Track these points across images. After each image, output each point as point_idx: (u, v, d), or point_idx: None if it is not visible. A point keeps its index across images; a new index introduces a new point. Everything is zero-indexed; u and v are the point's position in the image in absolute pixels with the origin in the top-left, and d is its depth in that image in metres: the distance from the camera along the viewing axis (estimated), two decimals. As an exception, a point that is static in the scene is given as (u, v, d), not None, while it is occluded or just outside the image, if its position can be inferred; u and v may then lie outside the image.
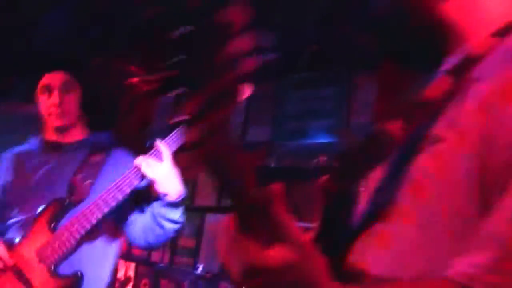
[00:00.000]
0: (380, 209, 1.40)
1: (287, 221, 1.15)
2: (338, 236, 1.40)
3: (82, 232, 2.87)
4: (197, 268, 5.84)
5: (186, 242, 6.71)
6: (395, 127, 1.40)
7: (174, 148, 2.93)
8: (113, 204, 2.85)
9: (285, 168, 5.88)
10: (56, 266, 2.89)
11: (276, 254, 1.11)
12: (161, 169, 2.85)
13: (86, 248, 2.94)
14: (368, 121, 4.93)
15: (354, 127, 5.53)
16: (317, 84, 5.96)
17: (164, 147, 2.88)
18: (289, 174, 5.80)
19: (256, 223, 1.13)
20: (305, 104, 5.99)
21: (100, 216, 2.85)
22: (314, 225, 1.52)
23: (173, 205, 2.92)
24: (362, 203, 1.48)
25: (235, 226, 1.17)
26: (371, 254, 1.37)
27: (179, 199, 2.93)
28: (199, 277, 5.77)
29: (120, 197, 2.86)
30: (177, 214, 2.98)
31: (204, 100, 1.09)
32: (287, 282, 1.13)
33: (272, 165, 5.97)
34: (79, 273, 2.91)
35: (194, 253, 6.57)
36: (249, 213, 1.15)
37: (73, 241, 2.87)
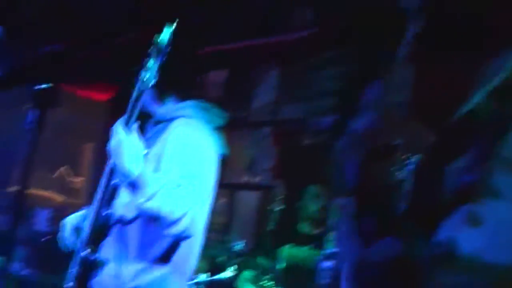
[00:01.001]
0: (469, 189, 1.39)
1: None
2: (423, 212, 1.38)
3: None
4: (230, 244, 5.85)
5: (217, 218, 6.73)
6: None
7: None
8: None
9: (319, 145, 5.87)
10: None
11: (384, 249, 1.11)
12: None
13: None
14: (403, 99, 4.91)
15: (388, 105, 5.49)
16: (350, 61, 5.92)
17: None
18: (323, 151, 5.78)
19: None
20: (338, 81, 5.96)
21: None
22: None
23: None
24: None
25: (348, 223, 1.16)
26: (463, 233, 1.36)
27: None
28: (232, 253, 5.78)
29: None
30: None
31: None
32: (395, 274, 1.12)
33: (306, 142, 5.96)
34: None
35: (226, 230, 6.59)
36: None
37: None
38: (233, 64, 7.03)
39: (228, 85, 7.09)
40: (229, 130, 6.01)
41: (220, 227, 6.65)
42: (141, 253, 2.70)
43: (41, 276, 5.68)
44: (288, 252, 4.98)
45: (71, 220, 2.95)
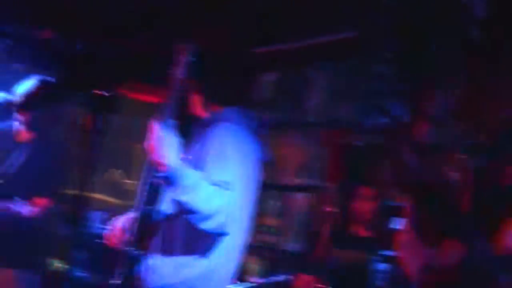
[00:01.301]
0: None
1: None
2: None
3: None
4: (282, 247, 5.87)
5: (269, 220, 6.74)
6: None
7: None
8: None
9: (373, 145, 5.84)
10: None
11: (448, 253, 1.09)
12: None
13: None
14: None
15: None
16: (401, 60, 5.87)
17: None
18: (377, 151, 5.75)
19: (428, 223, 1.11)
20: (389, 80, 5.91)
21: None
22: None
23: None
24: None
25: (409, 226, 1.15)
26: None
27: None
28: (284, 255, 5.79)
29: None
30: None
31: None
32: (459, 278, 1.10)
33: (360, 143, 5.94)
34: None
35: (279, 232, 6.59)
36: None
37: None
38: (284, 65, 7.03)
39: (280, 86, 7.10)
40: (281, 132, 6.05)
41: (273, 229, 6.66)
42: (184, 249, 2.82)
43: (97, 278, 5.76)
44: (339, 254, 4.96)
45: (119, 220, 3.03)
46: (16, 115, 4.62)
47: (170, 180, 2.60)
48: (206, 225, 2.64)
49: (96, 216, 6.07)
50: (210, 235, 2.76)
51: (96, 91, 2.01)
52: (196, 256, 2.83)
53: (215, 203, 2.62)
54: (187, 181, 2.59)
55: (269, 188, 6.86)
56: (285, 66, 7.02)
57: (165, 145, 2.56)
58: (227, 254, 2.89)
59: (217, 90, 2.98)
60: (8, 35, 3.57)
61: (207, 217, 2.63)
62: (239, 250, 2.96)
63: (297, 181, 6.63)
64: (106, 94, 2.00)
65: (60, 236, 2.80)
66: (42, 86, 4.24)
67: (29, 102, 3.88)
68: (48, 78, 4.36)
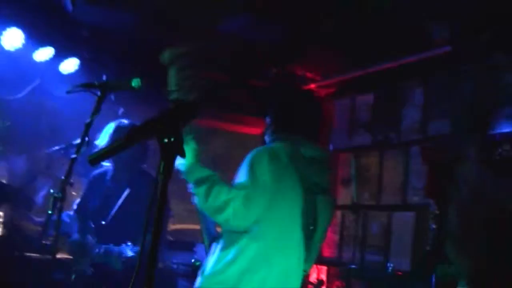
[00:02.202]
0: None
1: None
2: None
3: None
4: (388, 267, 5.87)
5: (375, 240, 6.76)
6: None
7: None
8: None
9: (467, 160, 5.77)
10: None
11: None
12: None
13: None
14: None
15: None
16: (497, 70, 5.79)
17: None
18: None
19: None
20: (484, 93, 5.85)
21: None
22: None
23: None
24: None
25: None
26: None
27: None
28: (390, 275, 5.79)
29: None
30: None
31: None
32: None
33: (455, 157, 5.88)
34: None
35: (384, 252, 6.60)
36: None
37: None
38: (378, 85, 7.08)
39: (375, 107, 7.14)
40: (381, 151, 6.14)
41: (379, 248, 6.67)
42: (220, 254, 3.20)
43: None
44: (442, 270, 4.94)
45: None
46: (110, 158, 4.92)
47: (184, 176, 3.15)
48: (215, 218, 3.14)
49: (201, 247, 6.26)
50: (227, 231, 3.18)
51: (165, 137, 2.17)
52: (228, 261, 3.17)
53: (221, 198, 3.06)
54: (197, 174, 3.14)
55: (372, 208, 6.89)
56: (381, 87, 7.07)
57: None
58: (257, 260, 3.16)
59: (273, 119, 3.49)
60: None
61: (214, 210, 3.09)
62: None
63: (401, 199, 6.62)
64: (173, 139, 2.16)
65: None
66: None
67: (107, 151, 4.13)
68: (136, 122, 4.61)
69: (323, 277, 6.92)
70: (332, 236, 7.20)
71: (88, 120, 3.66)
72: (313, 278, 6.82)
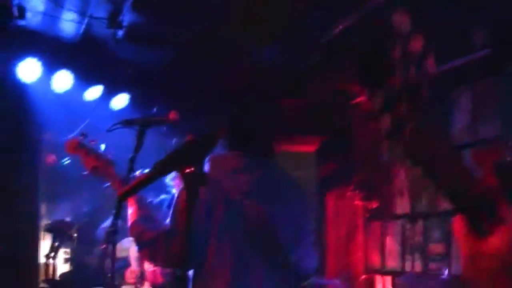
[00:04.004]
0: None
1: None
2: None
3: None
4: (443, 274, 5.83)
5: (436, 248, 6.71)
6: None
7: None
8: None
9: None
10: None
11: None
12: None
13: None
14: None
15: None
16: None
17: None
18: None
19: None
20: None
21: None
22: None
23: None
24: None
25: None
26: None
27: None
28: (448, 282, 5.75)
29: None
30: None
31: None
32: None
33: (509, 159, 5.82)
34: None
35: (445, 259, 6.54)
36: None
37: None
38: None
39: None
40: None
41: (440, 256, 6.62)
42: None
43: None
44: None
45: None
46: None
47: None
48: None
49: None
50: None
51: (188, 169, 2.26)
52: None
53: None
54: None
55: (431, 216, 6.84)
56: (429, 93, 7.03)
57: None
58: None
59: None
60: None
61: None
62: None
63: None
64: (193, 169, 2.24)
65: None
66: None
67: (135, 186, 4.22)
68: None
69: (389, 287, 6.89)
70: (394, 246, 7.18)
71: (131, 155, 3.77)
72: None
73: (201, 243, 3.12)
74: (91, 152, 3.70)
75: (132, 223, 3.51)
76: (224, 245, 3.20)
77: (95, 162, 3.68)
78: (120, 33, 6.09)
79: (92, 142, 3.76)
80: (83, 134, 3.80)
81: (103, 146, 3.81)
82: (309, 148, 8.25)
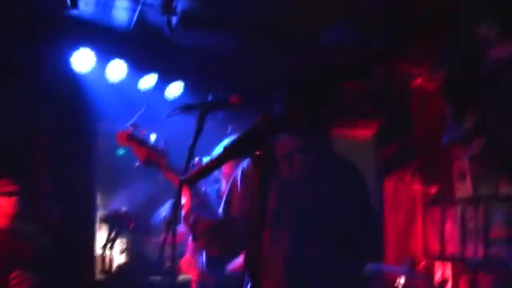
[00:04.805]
0: None
1: None
2: None
3: None
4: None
5: (499, 232, 6.55)
6: None
7: None
8: None
9: None
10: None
11: None
12: None
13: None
14: None
15: None
16: None
17: None
18: None
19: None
20: None
21: None
22: None
23: None
24: None
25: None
26: None
27: None
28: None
29: None
30: None
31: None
32: None
33: None
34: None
35: (508, 243, 6.39)
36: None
37: None
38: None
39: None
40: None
41: (503, 240, 6.47)
42: None
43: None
44: None
45: None
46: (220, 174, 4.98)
47: None
48: None
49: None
50: None
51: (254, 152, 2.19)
52: None
53: None
54: None
55: (493, 199, 6.69)
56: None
57: None
58: None
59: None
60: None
61: None
62: None
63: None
64: (262, 152, 2.17)
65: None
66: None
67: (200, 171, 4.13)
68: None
69: (449, 274, 6.76)
70: (455, 231, 7.03)
71: (191, 142, 3.71)
72: (438, 276, 6.68)
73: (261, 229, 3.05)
74: (143, 143, 3.67)
75: (186, 212, 3.46)
76: (279, 231, 3.12)
77: (147, 153, 3.65)
78: (175, 19, 6.03)
79: (143, 133, 3.72)
80: (134, 125, 3.76)
81: (153, 137, 3.77)
82: (367, 132, 8.13)
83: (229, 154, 2.25)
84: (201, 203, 3.47)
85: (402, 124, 7.48)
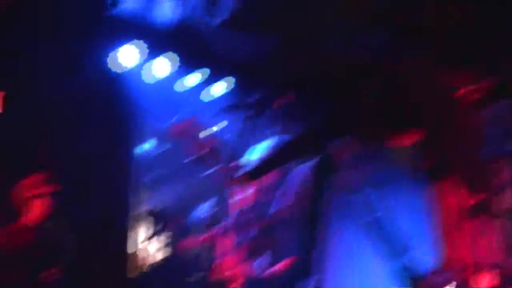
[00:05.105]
0: None
1: None
2: None
3: None
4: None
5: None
6: None
7: None
8: None
9: None
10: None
11: None
12: None
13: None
14: None
15: None
16: None
17: None
18: None
19: None
20: None
21: None
22: None
23: None
24: None
25: None
26: None
27: None
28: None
29: None
30: None
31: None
32: None
33: None
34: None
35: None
36: None
37: None
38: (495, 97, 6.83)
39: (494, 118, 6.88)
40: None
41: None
42: None
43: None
44: None
45: None
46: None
47: None
48: None
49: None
50: None
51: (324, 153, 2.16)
52: None
53: None
54: None
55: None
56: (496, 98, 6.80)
57: None
58: None
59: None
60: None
61: None
62: None
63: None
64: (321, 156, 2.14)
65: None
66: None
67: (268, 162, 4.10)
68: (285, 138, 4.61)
69: (496, 282, 6.66)
70: (500, 241, 6.96)
71: (243, 139, 3.67)
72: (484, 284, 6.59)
73: (316, 230, 3.01)
74: (197, 137, 3.64)
75: (241, 209, 3.44)
76: (337, 233, 3.10)
77: (201, 147, 3.62)
78: (219, 18, 6.02)
79: (198, 127, 3.71)
80: (188, 119, 3.75)
81: (207, 132, 3.75)
82: (410, 141, 8.05)
83: (286, 156, 2.22)
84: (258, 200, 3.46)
85: (445, 134, 7.41)
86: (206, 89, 7.01)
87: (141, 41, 6.53)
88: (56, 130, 6.37)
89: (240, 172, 3.41)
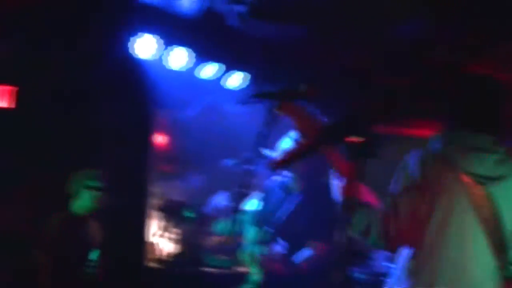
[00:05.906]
0: None
1: None
2: None
3: None
4: None
5: None
6: None
7: None
8: None
9: None
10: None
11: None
12: None
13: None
14: None
15: None
16: None
17: None
18: None
19: None
20: None
21: None
22: None
23: None
24: None
25: None
26: None
27: None
28: None
29: None
30: None
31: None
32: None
33: None
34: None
35: None
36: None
37: None
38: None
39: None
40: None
41: None
42: None
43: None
44: None
45: None
46: (286, 169, 4.88)
47: None
48: None
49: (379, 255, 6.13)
50: None
51: (350, 139, 2.11)
52: None
53: None
54: None
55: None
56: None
57: None
58: None
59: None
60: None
61: None
62: None
63: None
64: (361, 140, 2.09)
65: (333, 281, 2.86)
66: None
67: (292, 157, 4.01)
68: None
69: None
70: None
71: (264, 132, 3.59)
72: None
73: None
74: (307, 115, 3.48)
75: None
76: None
77: (310, 126, 3.47)
78: (243, 9, 5.98)
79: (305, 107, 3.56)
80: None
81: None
82: (431, 131, 7.96)
83: (324, 141, 2.18)
84: None
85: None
86: (229, 77, 7.01)
87: (162, 31, 6.49)
88: (82, 119, 6.40)
89: (272, 161, 3.32)
